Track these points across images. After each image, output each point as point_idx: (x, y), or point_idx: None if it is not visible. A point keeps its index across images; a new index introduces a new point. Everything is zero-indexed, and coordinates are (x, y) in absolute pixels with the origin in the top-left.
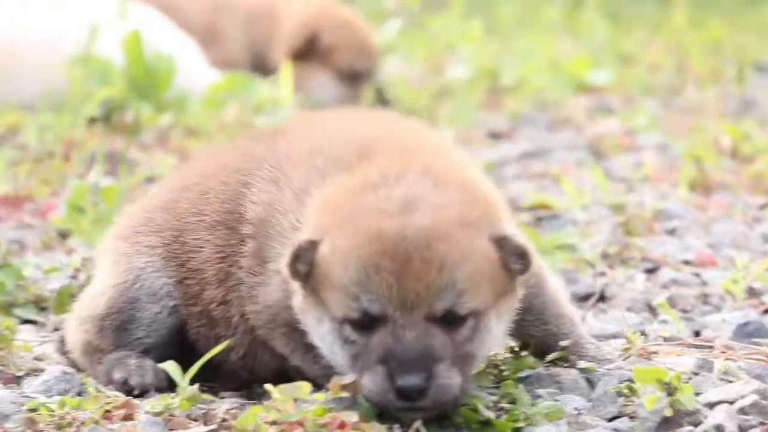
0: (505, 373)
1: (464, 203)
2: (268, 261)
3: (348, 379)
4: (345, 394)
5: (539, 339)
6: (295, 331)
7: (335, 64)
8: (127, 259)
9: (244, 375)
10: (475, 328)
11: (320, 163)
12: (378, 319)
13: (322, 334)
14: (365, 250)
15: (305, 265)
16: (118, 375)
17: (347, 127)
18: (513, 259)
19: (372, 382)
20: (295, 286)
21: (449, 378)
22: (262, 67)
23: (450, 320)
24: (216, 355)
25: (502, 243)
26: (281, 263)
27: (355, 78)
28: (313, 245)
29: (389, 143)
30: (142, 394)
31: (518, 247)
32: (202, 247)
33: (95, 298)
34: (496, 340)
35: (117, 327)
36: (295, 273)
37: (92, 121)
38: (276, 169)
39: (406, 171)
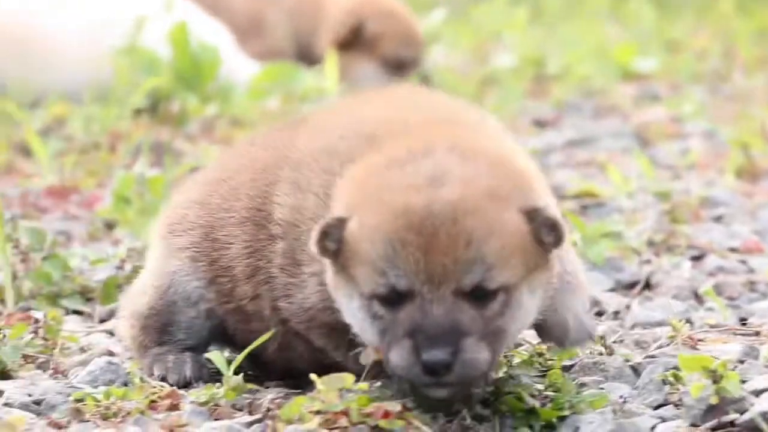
0: (550, 361)
1: (494, 176)
2: (303, 264)
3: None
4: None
5: (548, 324)
6: (334, 330)
7: (380, 53)
8: (163, 262)
9: (281, 365)
10: (506, 302)
11: (336, 166)
12: (405, 294)
13: (353, 311)
14: (392, 226)
15: (334, 242)
16: (157, 372)
17: (362, 117)
18: (545, 231)
19: (398, 356)
20: (325, 263)
21: (477, 353)
22: (307, 56)
23: (479, 295)
24: (254, 348)
25: (533, 215)
26: (310, 242)
27: (400, 67)
28: (341, 222)
29: (404, 124)
30: (186, 386)
31: (549, 218)
32: (231, 243)
33: (139, 295)
34: (528, 315)
35: (158, 328)
36: (323, 250)
37: (138, 112)
38: (296, 171)
39: (433, 146)
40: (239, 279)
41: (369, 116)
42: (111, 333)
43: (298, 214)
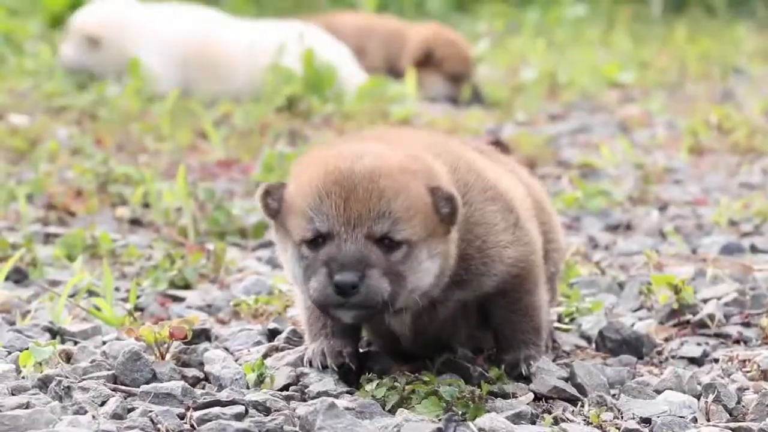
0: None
1: (407, 158)
2: None
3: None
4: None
5: (499, 324)
6: None
7: (444, 70)
8: None
9: None
10: (407, 255)
11: None
12: (326, 236)
13: (287, 259)
14: (321, 181)
15: (275, 201)
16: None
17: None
18: (443, 203)
19: (315, 281)
20: (269, 222)
21: (379, 283)
22: (394, 72)
23: (386, 244)
24: None
25: (435, 191)
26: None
27: (457, 79)
28: (281, 185)
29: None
30: None
31: (447, 193)
32: None
33: None
34: (426, 274)
35: None
36: (266, 208)
37: (279, 109)
38: None
39: (362, 139)
40: None
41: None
42: (259, 259)
43: None
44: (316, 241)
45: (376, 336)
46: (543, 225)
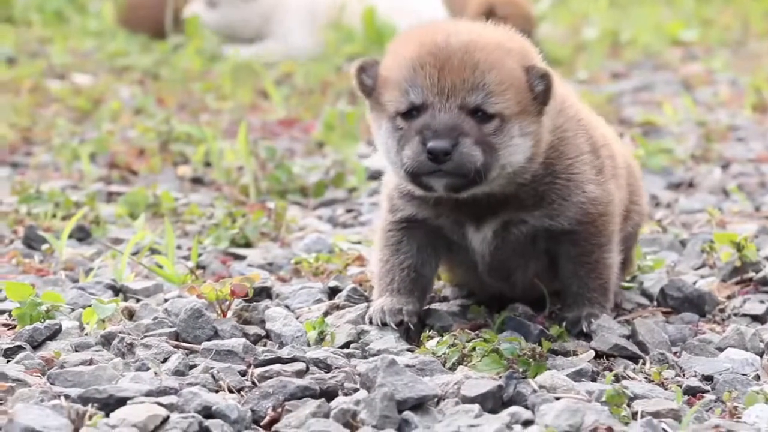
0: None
1: (504, 37)
2: None
3: None
4: None
5: (567, 278)
6: None
7: None
8: None
9: None
10: (500, 128)
11: None
12: (420, 107)
13: (382, 136)
14: (416, 54)
15: (370, 78)
16: None
17: None
18: (537, 81)
19: (409, 149)
20: (366, 101)
21: (472, 150)
22: None
23: (479, 115)
24: None
25: (530, 69)
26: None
27: None
28: (376, 62)
29: None
30: None
31: (542, 70)
32: None
33: None
34: (517, 149)
35: None
36: (361, 84)
37: (340, 68)
38: None
39: (456, 22)
40: None
41: None
42: (320, 217)
43: None
44: (411, 113)
45: (455, 266)
46: (630, 186)
